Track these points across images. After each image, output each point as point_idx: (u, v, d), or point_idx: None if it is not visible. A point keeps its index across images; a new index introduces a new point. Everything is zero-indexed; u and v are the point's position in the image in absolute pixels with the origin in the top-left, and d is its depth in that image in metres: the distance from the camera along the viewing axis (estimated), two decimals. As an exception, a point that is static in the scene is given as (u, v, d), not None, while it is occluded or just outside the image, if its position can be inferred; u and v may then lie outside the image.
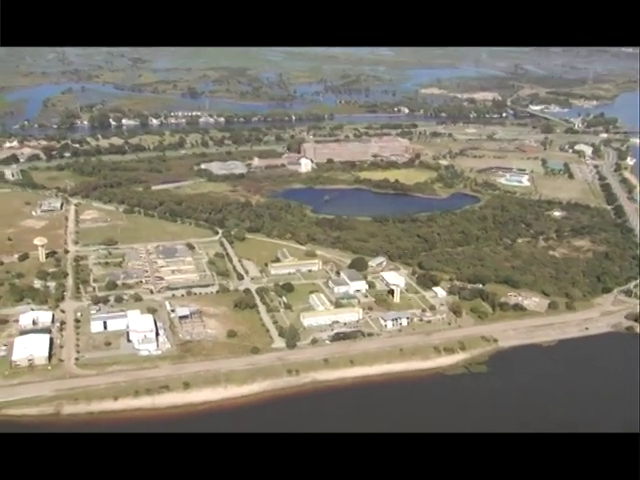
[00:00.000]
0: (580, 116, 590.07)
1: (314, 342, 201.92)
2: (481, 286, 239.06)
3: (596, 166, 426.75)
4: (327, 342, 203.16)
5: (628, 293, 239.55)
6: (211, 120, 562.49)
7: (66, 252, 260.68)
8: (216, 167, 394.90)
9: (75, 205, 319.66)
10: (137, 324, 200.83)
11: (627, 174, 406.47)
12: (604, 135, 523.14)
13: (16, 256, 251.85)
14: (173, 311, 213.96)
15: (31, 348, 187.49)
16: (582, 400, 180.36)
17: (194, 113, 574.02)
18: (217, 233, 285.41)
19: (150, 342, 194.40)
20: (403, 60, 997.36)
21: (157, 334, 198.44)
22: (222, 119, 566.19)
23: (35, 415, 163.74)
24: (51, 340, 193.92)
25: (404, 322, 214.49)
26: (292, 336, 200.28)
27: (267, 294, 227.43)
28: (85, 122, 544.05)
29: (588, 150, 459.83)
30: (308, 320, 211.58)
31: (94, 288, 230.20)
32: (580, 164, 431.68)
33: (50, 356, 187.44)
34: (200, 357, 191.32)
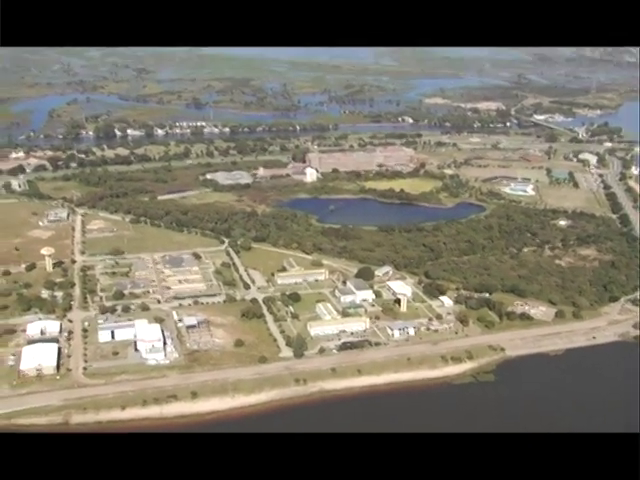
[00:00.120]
0: (584, 125, 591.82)
1: (321, 351, 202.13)
2: (488, 295, 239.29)
3: (601, 175, 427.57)
4: (334, 351, 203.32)
5: (635, 302, 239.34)
6: (216, 130, 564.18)
7: (73, 262, 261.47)
8: (222, 177, 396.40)
9: (81, 215, 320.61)
10: (144, 334, 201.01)
11: (632, 183, 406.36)
12: (608, 144, 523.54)
13: (23, 266, 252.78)
14: (180, 321, 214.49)
15: (39, 358, 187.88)
16: (589, 409, 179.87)
17: (199, 123, 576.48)
18: (223, 243, 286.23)
19: (158, 351, 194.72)
20: (407, 70, 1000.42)
21: (164, 344, 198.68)
22: (227, 129, 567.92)
23: (44, 424, 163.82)
24: (59, 350, 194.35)
25: (411, 331, 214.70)
26: (299, 345, 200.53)
27: (274, 304, 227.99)
28: (90, 132, 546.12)
29: (593, 159, 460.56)
30: (315, 329, 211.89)
31: (101, 298, 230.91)
32: (585, 173, 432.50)
33: (58, 366, 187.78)
34: (208, 366, 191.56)
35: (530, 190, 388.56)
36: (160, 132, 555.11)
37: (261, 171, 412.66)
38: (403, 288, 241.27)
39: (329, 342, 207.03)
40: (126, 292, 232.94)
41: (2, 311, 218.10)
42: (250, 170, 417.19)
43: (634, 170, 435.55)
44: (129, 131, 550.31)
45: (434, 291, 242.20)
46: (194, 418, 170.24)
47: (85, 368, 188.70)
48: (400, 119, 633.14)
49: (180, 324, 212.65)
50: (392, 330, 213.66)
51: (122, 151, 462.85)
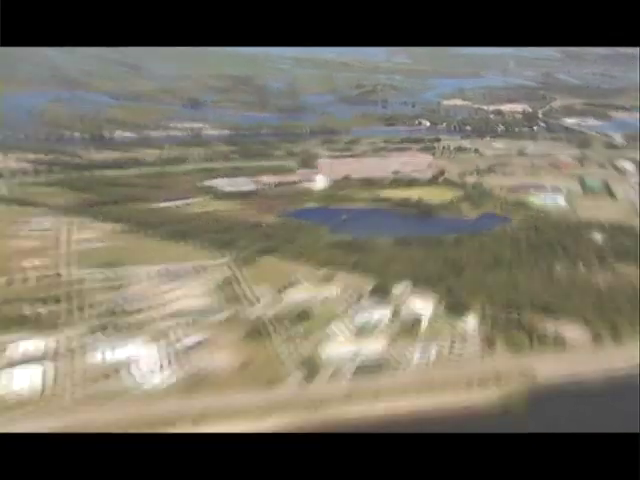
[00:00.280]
0: (620, 130, 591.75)
1: (334, 375, 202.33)
2: (516, 315, 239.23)
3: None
4: (348, 375, 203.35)
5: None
6: (215, 132, 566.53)
7: (59, 275, 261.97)
8: (223, 184, 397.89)
9: (67, 224, 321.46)
10: (139, 355, 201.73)
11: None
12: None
13: (3, 280, 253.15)
14: (179, 340, 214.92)
15: (22, 381, 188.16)
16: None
17: (196, 125, 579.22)
18: (225, 255, 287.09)
19: (154, 374, 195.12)
20: (422, 68, 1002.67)
21: (162, 366, 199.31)
22: (227, 131, 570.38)
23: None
24: (43, 373, 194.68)
25: (432, 354, 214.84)
26: (310, 368, 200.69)
27: (281, 322, 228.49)
28: (76, 134, 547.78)
29: (631, 167, 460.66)
30: (327, 351, 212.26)
31: (91, 315, 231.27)
32: (622, 182, 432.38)
33: (43, 390, 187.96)
34: (209, 391, 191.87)
35: (561, 200, 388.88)
36: (154, 134, 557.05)
37: (266, 178, 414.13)
38: (423, 306, 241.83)
39: (343, 365, 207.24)
40: (118, 309, 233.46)
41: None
42: (254, 176, 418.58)
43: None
44: (119, 132, 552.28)
45: (457, 310, 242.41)
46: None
47: (73, 392, 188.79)
48: (416, 122, 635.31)
49: (178, 344, 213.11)
50: (412, 352, 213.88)
51: (111, 154, 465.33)
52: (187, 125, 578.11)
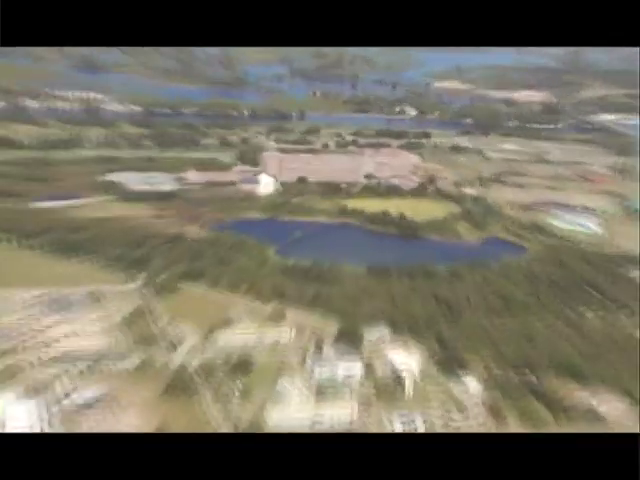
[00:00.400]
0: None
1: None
2: (534, 379, 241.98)
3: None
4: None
5: None
6: (121, 108, 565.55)
7: None
8: (132, 180, 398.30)
9: None
10: (9, 414, 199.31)
11: None
12: None
13: None
14: (67, 395, 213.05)
15: None
16: None
17: (94, 95, 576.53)
18: (135, 279, 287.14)
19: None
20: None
21: (41, 429, 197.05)
22: (137, 107, 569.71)
23: None
24: None
25: (419, 426, 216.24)
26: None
27: (213, 375, 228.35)
28: None
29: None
30: (275, 416, 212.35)
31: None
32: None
33: None
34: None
35: (594, 225, 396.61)
36: (33, 104, 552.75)
37: (191, 175, 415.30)
38: (406, 360, 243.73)
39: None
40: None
41: None
42: (175, 172, 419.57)
43: None
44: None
45: (453, 367, 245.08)
46: None
47: None
48: (398, 109, 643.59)
49: (67, 401, 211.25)
50: (391, 423, 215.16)
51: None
52: (80, 95, 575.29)
